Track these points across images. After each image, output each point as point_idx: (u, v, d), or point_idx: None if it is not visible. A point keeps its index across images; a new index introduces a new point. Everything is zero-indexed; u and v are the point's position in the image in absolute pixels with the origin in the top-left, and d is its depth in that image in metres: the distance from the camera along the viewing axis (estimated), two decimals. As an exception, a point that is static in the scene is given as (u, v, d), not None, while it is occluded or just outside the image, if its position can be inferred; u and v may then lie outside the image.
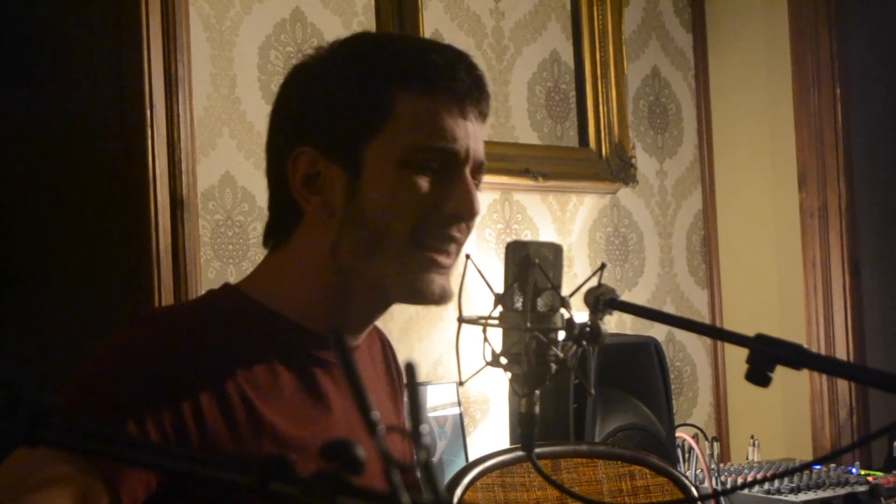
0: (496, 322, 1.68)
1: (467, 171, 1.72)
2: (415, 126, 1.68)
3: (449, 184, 1.70)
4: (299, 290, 1.73)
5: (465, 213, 1.71)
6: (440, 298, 1.72)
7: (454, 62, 1.73)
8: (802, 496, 3.53)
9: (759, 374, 1.51)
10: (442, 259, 1.71)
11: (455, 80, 1.71)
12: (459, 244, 1.73)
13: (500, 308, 1.68)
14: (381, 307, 1.79)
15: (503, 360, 1.67)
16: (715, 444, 3.96)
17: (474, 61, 1.76)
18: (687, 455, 3.79)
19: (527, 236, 4.02)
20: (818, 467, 3.79)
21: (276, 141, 1.78)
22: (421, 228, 1.69)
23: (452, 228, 1.71)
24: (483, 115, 1.76)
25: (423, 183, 1.68)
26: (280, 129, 1.78)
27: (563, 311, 1.67)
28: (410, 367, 0.93)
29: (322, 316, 1.73)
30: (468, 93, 1.72)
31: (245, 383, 1.65)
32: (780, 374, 1.51)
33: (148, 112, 3.05)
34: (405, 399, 2.06)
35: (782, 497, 3.50)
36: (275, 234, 1.78)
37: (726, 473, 3.78)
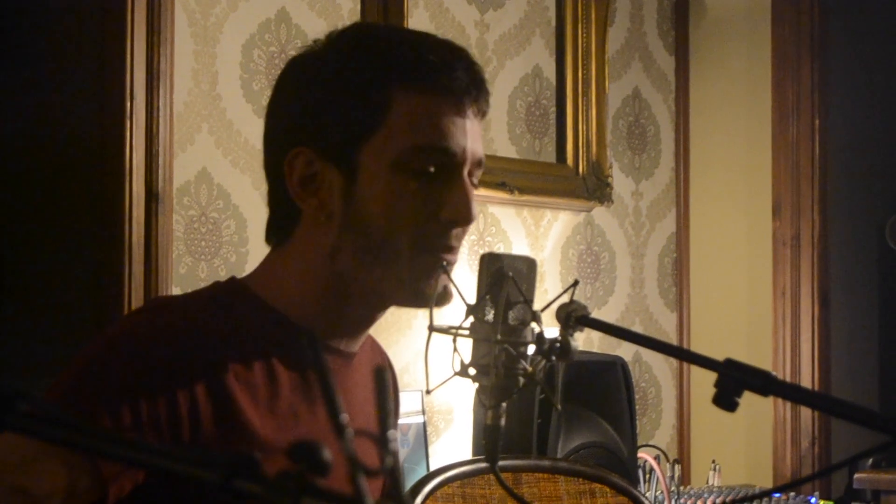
0: (466, 332, 1.67)
1: (465, 172, 1.70)
2: (411, 126, 1.67)
3: (445, 187, 1.69)
4: (299, 291, 1.72)
5: (462, 220, 1.69)
6: (442, 300, 1.71)
7: (452, 59, 1.71)
8: (760, 523, 3.54)
9: (726, 399, 1.52)
10: (448, 256, 1.70)
11: (452, 79, 1.69)
12: (459, 246, 1.72)
13: (471, 319, 1.68)
14: (379, 311, 1.77)
15: (471, 371, 1.67)
16: (676, 466, 3.97)
17: (472, 57, 1.74)
18: (648, 476, 3.79)
19: (500, 249, 4.02)
20: (778, 495, 3.80)
21: (273, 138, 1.76)
22: (421, 237, 1.68)
23: (451, 236, 1.70)
24: (482, 113, 1.73)
25: (419, 188, 1.67)
26: (277, 126, 1.75)
27: (533, 325, 1.67)
28: (381, 371, 0.93)
29: (320, 318, 1.72)
30: (466, 91, 1.70)
31: (242, 384, 1.64)
32: (744, 400, 1.52)
33: (128, 104, 3.04)
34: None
35: (740, 523, 3.51)
36: (275, 232, 1.77)
37: (686, 496, 3.78)
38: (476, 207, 1.71)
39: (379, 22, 3.60)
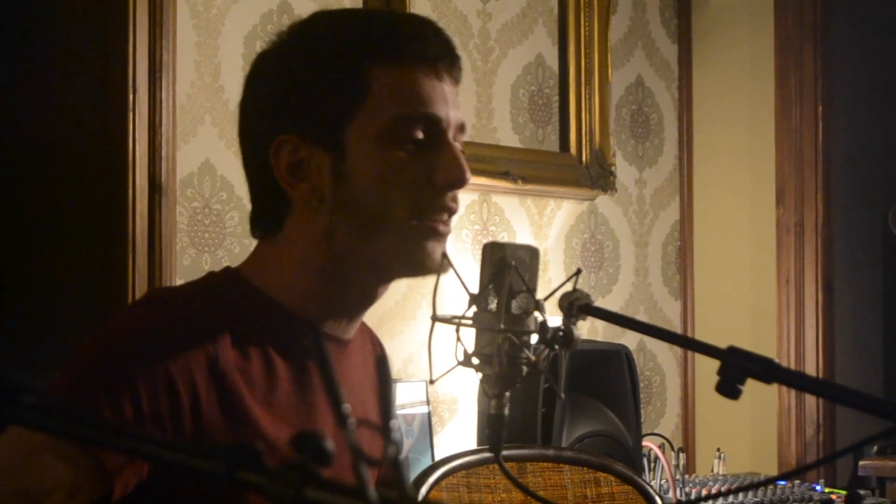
0: (470, 322, 1.68)
1: (451, 136, 1.72)
2: (392, 98, 1.68)
3: (435, 152, 1.70)
4: (295, 278, 1.72)
5: (457, 181, 1.70)
6: (441, 267, 1.71)
7: (423, 29, 1.74)
8: (765, 510, 3.54)
9: (729, 387, 1.52)
10: (442, 227, 1.71)
11: (427, 47, 1.71)
12: (454, 212, 1.73)
13: (474, 308, 1.68)
14: (380, 286, 1.76)
15: (475, 361, 1.67)
16: (681, 454, 3.97)
17: (441, 27, 1.77)
18: (652, 464, 3.80)
19: (503, 238, 4.02)
20: (783, 483, 3.80)
21: (253, 131, 1.76)
22: (418, 205, 1.68)
23: (447, 198, 1.71)
24: (457, 80, 1.76)
25: (410, 156, 1.68)
26: (256, 119, 1.76)
27: (536, 314, 1.67)
28: (383, 361, 0.93)
29: (318, 304, 1.72)
30: (441, 57, 1.72)
31: (241, 375, 1.64)
32: (749, 388, 1.52)
33: (131, 96, 3.05)
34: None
35: (745, 510, 3.51)
36: (262, 224, 1.77)
37: (691, 485, 3.79)
38: (468, 168, 1.72)
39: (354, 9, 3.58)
